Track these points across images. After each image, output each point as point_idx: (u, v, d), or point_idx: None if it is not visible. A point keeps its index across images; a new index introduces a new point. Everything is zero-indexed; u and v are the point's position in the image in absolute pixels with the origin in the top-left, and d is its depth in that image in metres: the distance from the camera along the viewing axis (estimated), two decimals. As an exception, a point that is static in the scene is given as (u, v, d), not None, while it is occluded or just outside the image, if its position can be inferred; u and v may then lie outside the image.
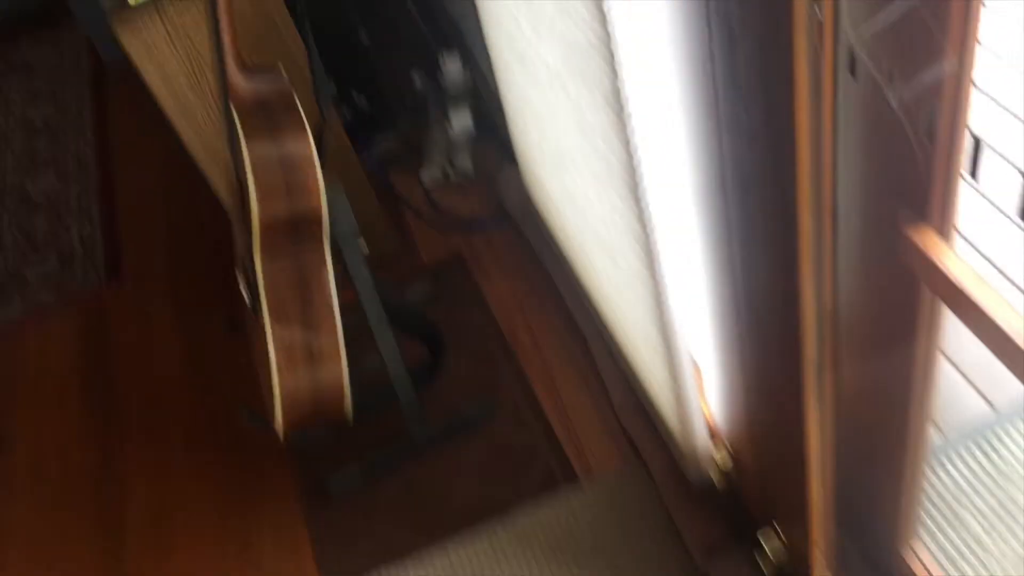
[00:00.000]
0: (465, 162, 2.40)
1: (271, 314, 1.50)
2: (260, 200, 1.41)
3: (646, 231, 1.13)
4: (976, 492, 1.48)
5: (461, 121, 2.43)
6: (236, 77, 1.44)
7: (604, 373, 1.82)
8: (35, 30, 3.58)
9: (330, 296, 1.55)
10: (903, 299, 0.90)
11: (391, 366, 1.76)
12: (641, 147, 1.03)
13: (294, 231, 1.48)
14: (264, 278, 1.50)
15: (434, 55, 2.51)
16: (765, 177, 0.84)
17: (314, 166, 1.45)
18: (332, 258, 1.66)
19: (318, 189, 1.46)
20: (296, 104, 1.46)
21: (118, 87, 3.22)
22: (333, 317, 1.55)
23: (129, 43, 1.73)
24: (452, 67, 2.48)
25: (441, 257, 2.23)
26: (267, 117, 1.44)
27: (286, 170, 1.43)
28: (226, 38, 1.41)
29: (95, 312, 2.42)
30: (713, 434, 1.47)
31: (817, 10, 0.68)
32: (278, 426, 1.59)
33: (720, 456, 1.43)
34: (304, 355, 1.54)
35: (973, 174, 1.99)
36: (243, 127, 1.41)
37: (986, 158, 2.00)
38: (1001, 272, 1.79)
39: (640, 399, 1.71)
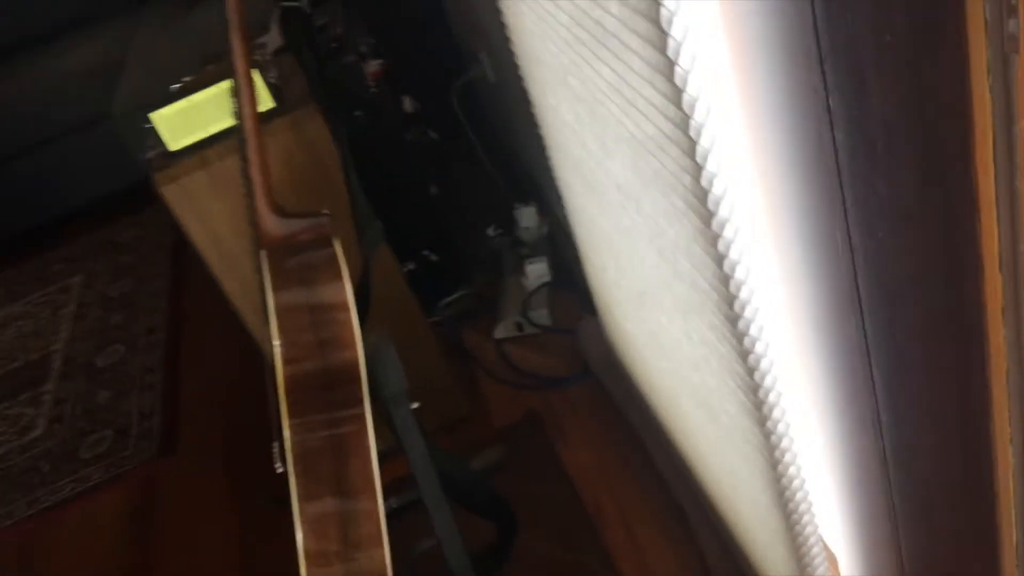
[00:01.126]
0: (542, 315, 2.18)
1: (299, 489, 1.26)
2: (285, 352, 1.20)
3: (750, 370, 0.86)
4: None
5: (537, 271, 2.23)
6: (268, 220, 1.27)
7: (707, 552, 1.50)
8: (127, 210, 3.60)
9: (370, 468, 1.31)
10: None
11: (449, 550, 1.48)
12: (737, 257, 0.78)
13: (327, 391, 1.26)
14: (293, 446, 1.27)
15: (508, 206, 2.35)
16: (920, 277, 0.59)
17: (349, 315, 1.24)
18: (381, 423, 1.43)
19: (354, 342, 1.25)
20: (334, 247, 1.27)
21: (197, 259, 3.17)
22: (374, 494, 1.31)
23: (169, 192, 1.60)
24: (527, 217, 2.32)
25: (514, 420, 1.97)
26: (299, 262, 1.26)
27: (316, 320, 1.23)
28: (256, 177, 1.25)
29: (145, 489, 2.22)
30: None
31: (1006, 17, 0.44)
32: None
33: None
34: (338, 539, 1.28)
35: None
36: (271, 272, 1.22)
37: None
38: None
39: (753, 589, 1.38)
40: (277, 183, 1.62)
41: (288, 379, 1.22)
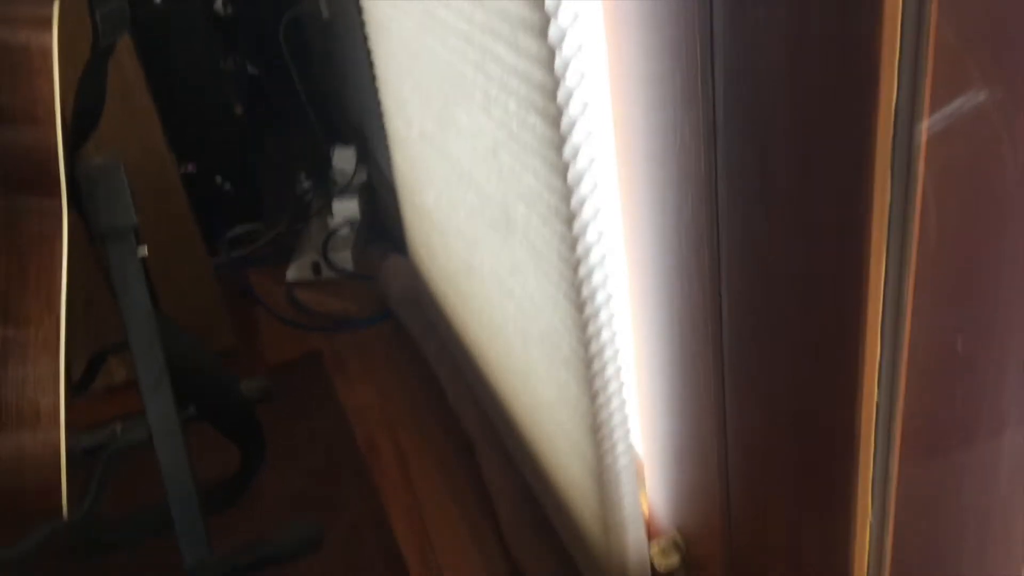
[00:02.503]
0: (344, 258, 1.90)
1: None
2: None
3: (573, 244, 0.64)
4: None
5: (344, 210, 1.96)
6: None
7: (492, 485, 1.23)
8: None
9: (56, 296, 0.99)
10: None
11: (162, 454, 1.15)
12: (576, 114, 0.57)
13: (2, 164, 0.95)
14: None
15: (325, 153, 2.09)
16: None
17: (50, 84, 0.94)
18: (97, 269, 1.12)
19: (52, 113, 0.95)
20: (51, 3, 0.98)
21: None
22: (56, 352, 0.98)
23: None
24: (344, 158, 2.06)
25: (293, 358, 1.67)
26: None
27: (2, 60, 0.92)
28: None
29: None
30: (653, 534, 0.89)
31: None
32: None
33: (665, 560, 0.83)
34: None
35: None
36: None
37: None
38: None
39: (543, 511, 1.12)
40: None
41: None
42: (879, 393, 0.51)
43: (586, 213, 0.71)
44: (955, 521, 0.56)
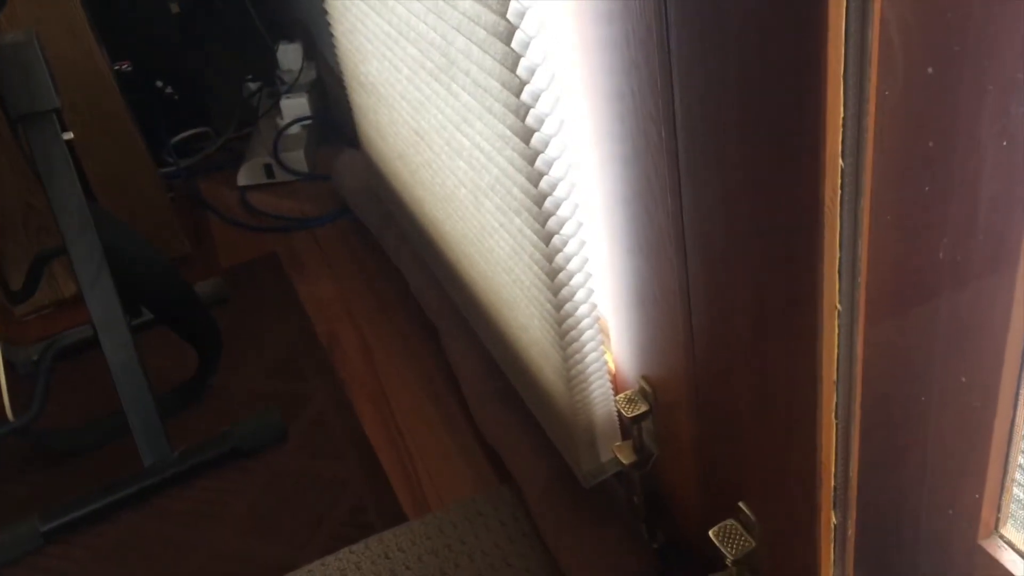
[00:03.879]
0: (296, 158, 1.83)
1: None
2: None
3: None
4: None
5: (294, 107, 1.89)
6: None
7: (457, 366, 1.20)
8: None
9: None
10: None
11: (108, 351, 1.10)
12: None
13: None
14: None
15: (271, 52, 1.99)
16: None
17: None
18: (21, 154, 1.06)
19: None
20: None
21: None
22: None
23: None
24: (290, 56, 1.97)
25: (249, 259, 1.61)
26: None
27: None
28: None
29: None
30: (620, 389, 0.86)
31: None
32: None
33: (632, 409, 0.80)
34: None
35: None
36: None
37: None
38: None
39: (509, 384, 1.08)
40: None
41: None
42: (843, 190, 0.47)
43: (533, 53, 0.66)
44: (927, 333, 0.52)
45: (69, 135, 1.05)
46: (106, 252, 1.09)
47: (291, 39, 1.99)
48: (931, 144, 0.45)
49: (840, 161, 0.46)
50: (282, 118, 1.88)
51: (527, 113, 0.68)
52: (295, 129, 1.87)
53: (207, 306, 1.43)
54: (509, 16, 0.65)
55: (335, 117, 1.92)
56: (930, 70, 0.43)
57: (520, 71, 0.67)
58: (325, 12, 1.43)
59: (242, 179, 1.83)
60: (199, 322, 1.27)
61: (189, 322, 1.26)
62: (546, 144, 0.70)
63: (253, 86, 2.05)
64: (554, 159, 0.70)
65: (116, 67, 1.73)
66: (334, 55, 1.51)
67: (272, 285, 1.52)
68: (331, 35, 1.44)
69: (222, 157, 1.94)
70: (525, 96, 0.68)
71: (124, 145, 1.54)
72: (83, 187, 1.11)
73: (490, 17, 0.69)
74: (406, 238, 1.42)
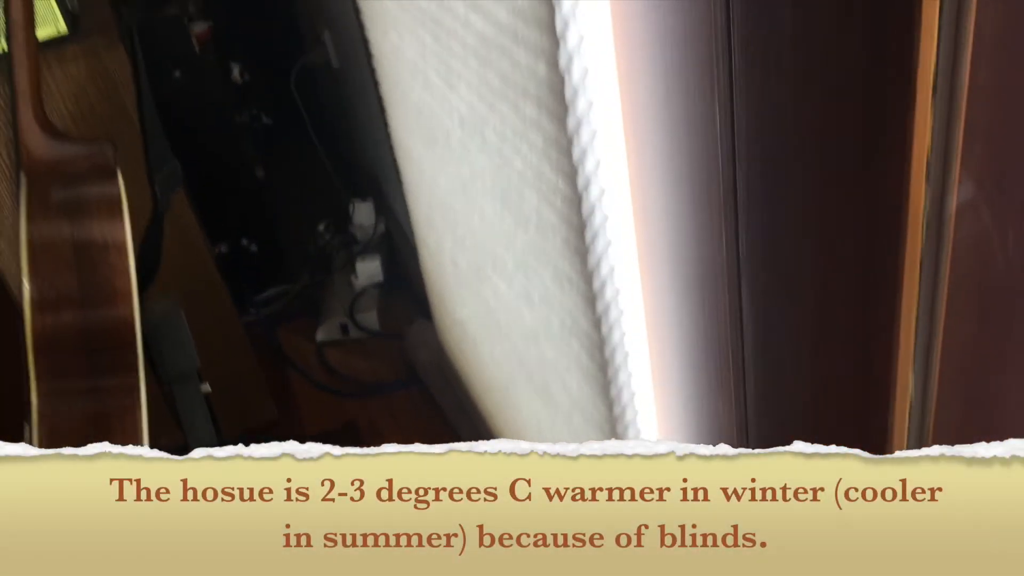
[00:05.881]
0: (370, 318, 1.99)
1: (42, 473, 1.02)
2: (38, 296, 0.98)
3: (597, 321, 0.72)
4: None
5: (368, 270, 2.05)
6: (34, 138, 1.04)
7: None
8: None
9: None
10: None
11: None
12: (592, 169, 0.64)
13: (91, 353, 1.03)
14: (41, 421, 1.04)
15: (343, 201, 2.16)
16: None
17: (126, 261, 1.02)
18: (165, 409, 1.21)
19: (130, 295, 1.03)
20: (116, 180, 1.05)
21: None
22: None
23: None
24: (363, 213, 2.14)
25: (331, 428, 1.77)
26: (67, 190, 1.03)
27: (82, 261, 1.00)
28: (22, 80, 1.02)
29: None
30: None
31: None
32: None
33: None
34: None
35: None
36: (27, 198, 1.00)
37: None
38: None
39: None
40: (62, 120, 1.39)
41: (39, 332, 0.98)
42: None
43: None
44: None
45: (207, 388, 1.21)
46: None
47: (363, 196, 2.16)
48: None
49: None
50: (356, 277, 2.05)
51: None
52: (369, 290, 2.04)
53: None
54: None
55: (404, 273, 2.07)
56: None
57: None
58: (398, 179, 1.54)
59: (320, 335, 1.99)
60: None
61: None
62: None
63: (327, 236, 2.22)
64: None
65: (216, 251, 1.90)
66: (405, 216, 1.64)
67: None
68: (405, 204, 1.56)
69: (298, 304, 2.10)
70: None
71: (221, 319, 1.70)
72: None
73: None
74: (477, 428, 1.57)
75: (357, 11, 1.51)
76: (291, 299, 2.12)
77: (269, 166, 2.15)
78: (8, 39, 1.01)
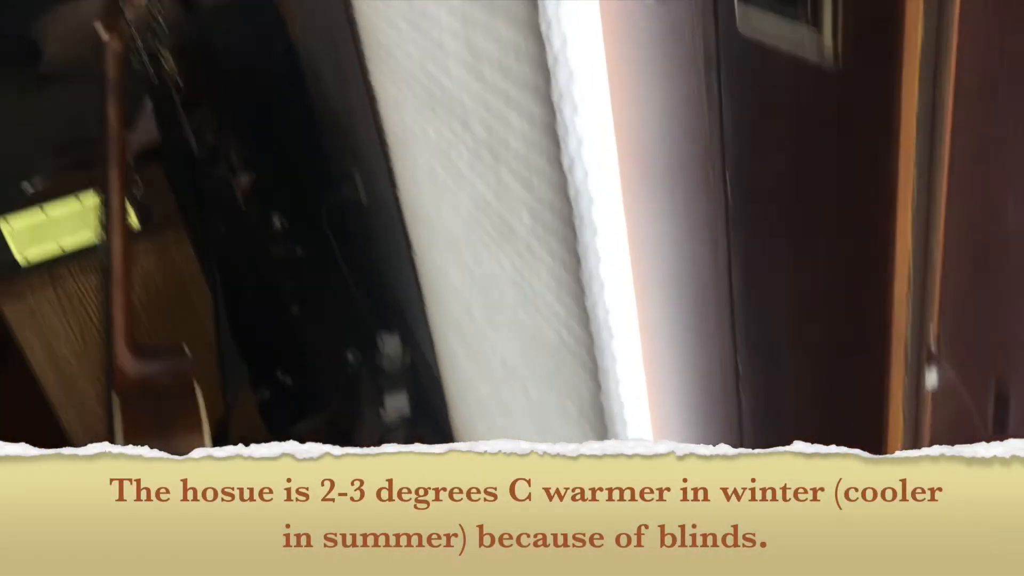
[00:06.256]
0: (398, 450, 1.98)
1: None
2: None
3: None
4: None
5: (396, 404, 2.06)
6: (126, 362, 1.10)
7: None
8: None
9: None
10: None
11: None
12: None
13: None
14: None
15: (372, 331, 2.20)
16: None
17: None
18: None
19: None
20: (194, 393, 1.11)
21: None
22: None
23: (12, 310, 1.40)
24: (390, 345, 2.17)
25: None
26: (155, 407, 1.09)
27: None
28: (118, 314, 1.09)
29: None
30: None
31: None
32: None
33: None
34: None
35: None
36: (124, 423, 1.05)
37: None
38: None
39: None
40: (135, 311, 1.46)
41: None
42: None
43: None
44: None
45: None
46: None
47: (391, 328, 2.19)
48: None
49: None
50: (385, 411, 2.06)
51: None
52: (395, 423, 2.04)
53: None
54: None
55: (430, 403, 2.07)
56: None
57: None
58: (424, 316, 1.57)
59: (348, 468, 1.97)
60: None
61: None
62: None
63: (355, 364, 2.23)
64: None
65: (259, 399, 1.93)
66: (431, 349, 1.65)
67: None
68: (431, 336, 1.58)
69: (331, 435, 2.10)
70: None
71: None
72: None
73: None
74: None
75: (384, 145, 1.60)
76: (324, 432, 2.12)
77: (302, 301, 2.20)
78: (105, 276, 1.07)
